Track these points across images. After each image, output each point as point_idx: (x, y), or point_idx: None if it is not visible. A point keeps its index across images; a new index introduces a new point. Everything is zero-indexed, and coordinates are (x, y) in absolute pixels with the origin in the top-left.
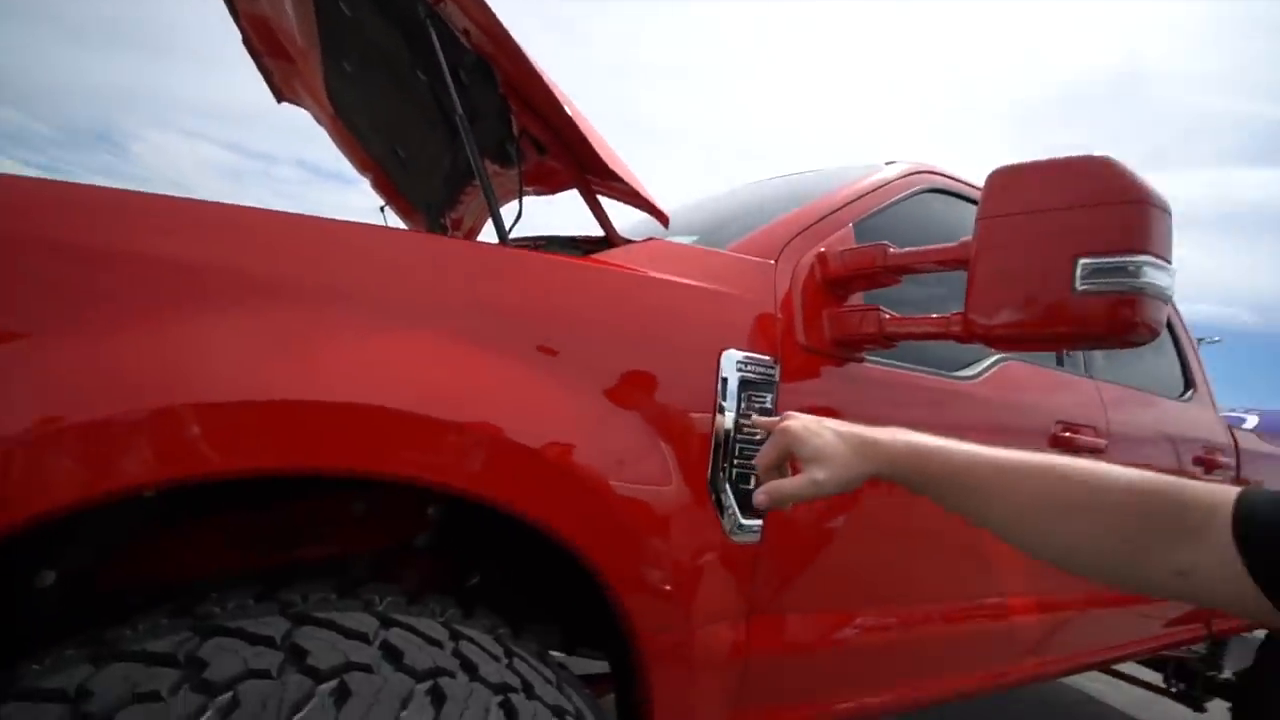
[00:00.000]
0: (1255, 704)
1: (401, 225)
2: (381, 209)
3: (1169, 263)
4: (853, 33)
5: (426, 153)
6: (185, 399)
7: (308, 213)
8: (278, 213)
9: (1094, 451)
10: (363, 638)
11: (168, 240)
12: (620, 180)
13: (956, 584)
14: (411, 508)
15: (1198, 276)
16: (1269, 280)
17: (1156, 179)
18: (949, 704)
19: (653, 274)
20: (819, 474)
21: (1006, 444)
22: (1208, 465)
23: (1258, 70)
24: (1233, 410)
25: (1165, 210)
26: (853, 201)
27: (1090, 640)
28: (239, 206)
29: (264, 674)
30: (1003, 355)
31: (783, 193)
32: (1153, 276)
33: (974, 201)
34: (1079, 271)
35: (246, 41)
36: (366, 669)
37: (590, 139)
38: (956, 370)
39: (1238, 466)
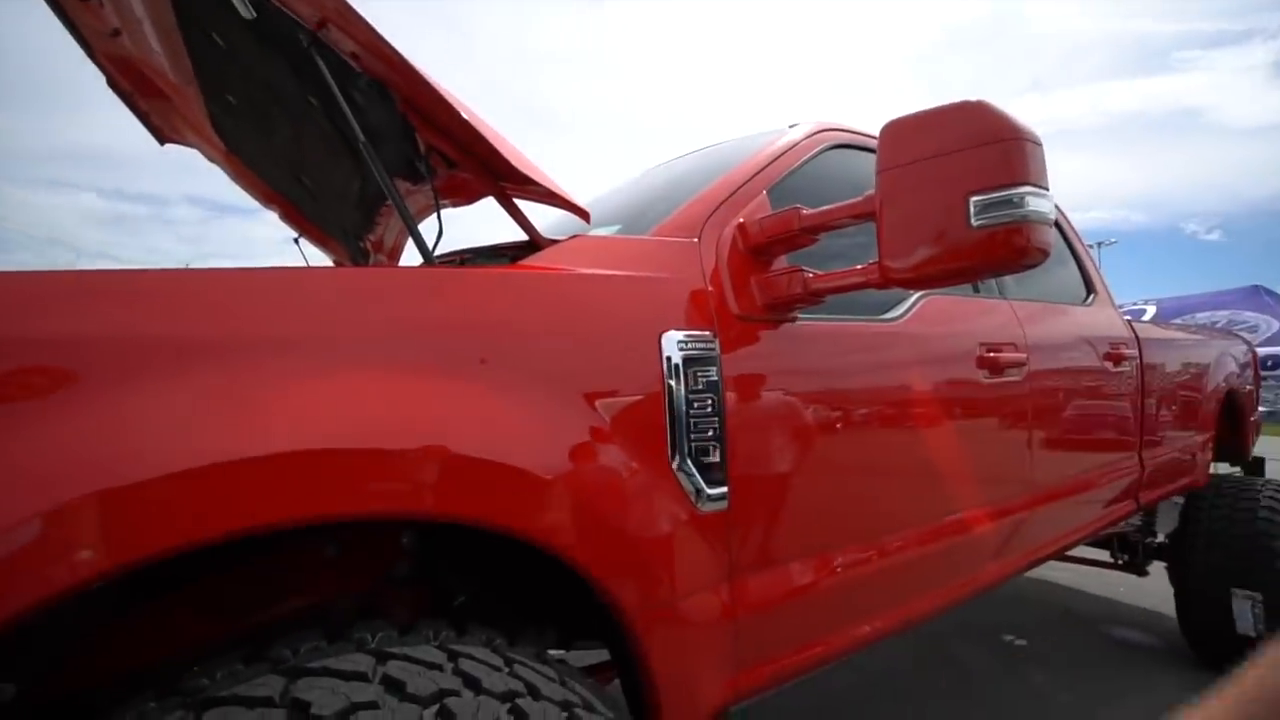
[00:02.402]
0: (1183, 559)
1: (319, 254)
2: (295, 240)
3: (1047, 189)
4: (752, 10)
5: (334, 179)
6: (116, 481)
7: (212, 252)
8: (180, 270)
9: (1017, 365)
10: (362, 677)
11: (67, 319)
12: (535, 183)
13: (918, 509)
14: (383, 541)
15: (1089, 187)
16: (1151, 181)
17: (1040, 103)
18: (935, 617)
19: (582, 271)
20: None
21: (939, 373)
22: (1115, 359)
23: None
24: (1134, 304)
25: (1036, 142)
26: (763, 169)
27: (1043, 534)
28: (137, 271)
29: None
30: (923, 292)
31: (695, 169)
32: (1035, 205)
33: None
34: (972, 209)
35: (112, 83)
36: (372, 706)
37: (498, 147)
38: (884, 313)
39: (1140, 355)
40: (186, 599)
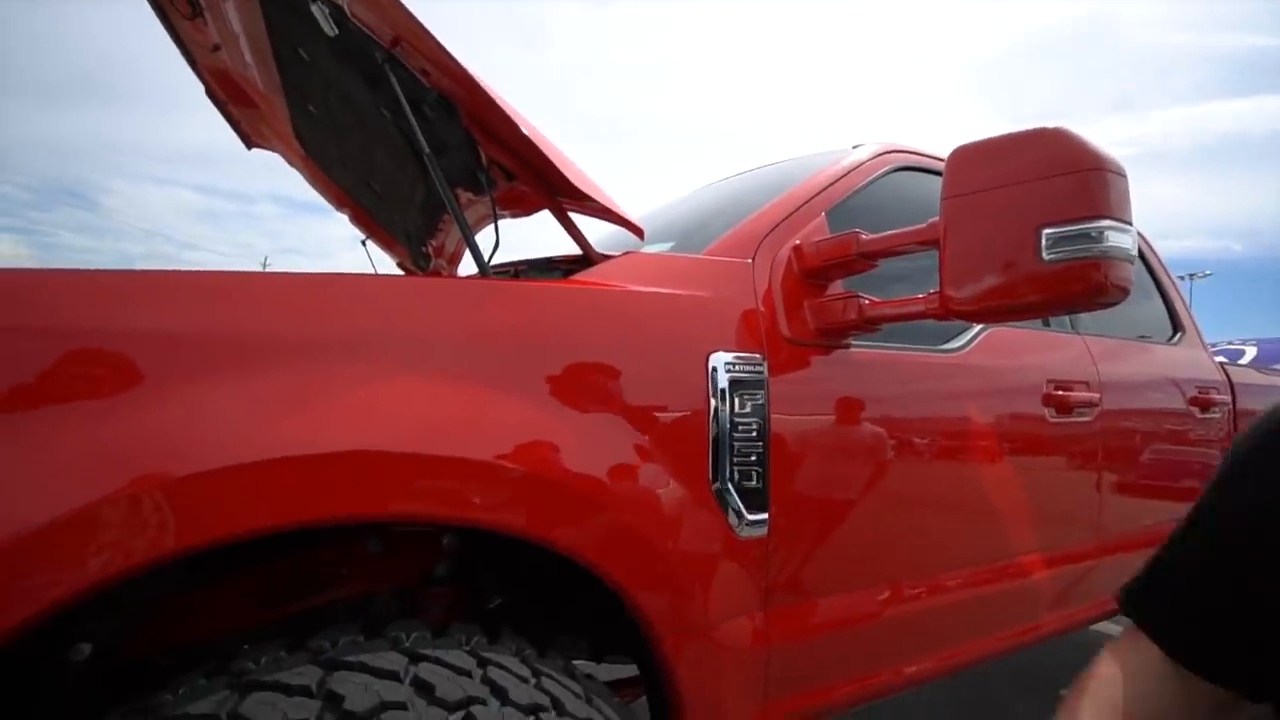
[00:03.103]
0: None
1: (384, 256)
2: (363, 242)
3: (1129, 224)
4: (811, 18)
5: (400, 185)
6: (196, 467)
7: (290, 246)
8: (262, 274)
9: (1088, 405)
10: (394, 676)
11: (160, 314)
12: (590, 199)
13: (971, 548)
14: (425, 540)
15: (1182, 213)
16: (1253, 208)
17: (1129, 122)
18: (984, 663)
19: (633, 288)
20: None
21: (1000, 408)
22: (1203, 405)
23: (1224, 4)
24: (1231, 343)
25: (1120, 174)
26: (823, 190)
27: (1113, 586)
28: (223, 272)
29: None
30: (987, 324)
31: (752, 188)
32: (1115, 240)
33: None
34: (1043, 242)
35: (210, 92)
36: (401, 707)
37: (557, 163)
38: (943, 343)
39: (1233, 401)
40: (240, 583)
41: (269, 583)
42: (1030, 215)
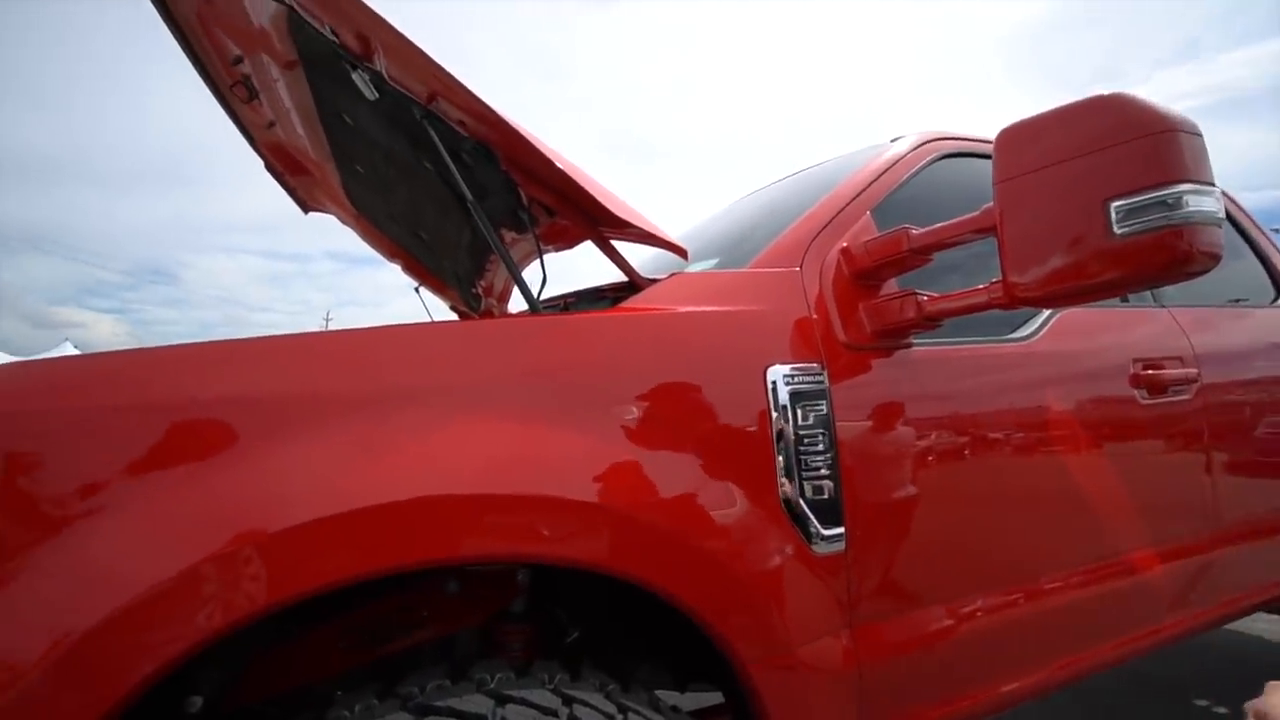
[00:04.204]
0: None
1: (436, 301)
2: (416, 289)
3: (1211, 184)
4: (833, 16)
5: (447, 232)
6: (312, 515)
7: (348, 299)
8: (330, 332)
9: (1185, 382)
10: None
11: (236, 380)
12: (631, 225)
13: (1070, 548)
14: (500, 578)
15: (1261, 160)
16: None
17: (1197, 71)
18: (1099, 672)
19: (683, 309)
20: None
21: (1084, 394)
22: None
23: None
24: None
25: (1193, 132)
26: (866, 188)
27: (1240, 580)
28: (299, 335)
29: None
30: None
31: (791, 195)
32: (1197, 203)
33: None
34: (1113, 215)
35: (268, 166)
36: None
37: (596, 194)
38: (1010, 332)
39: None
40: (325, 630)
41: (354, 628)
42: (1095, 189)
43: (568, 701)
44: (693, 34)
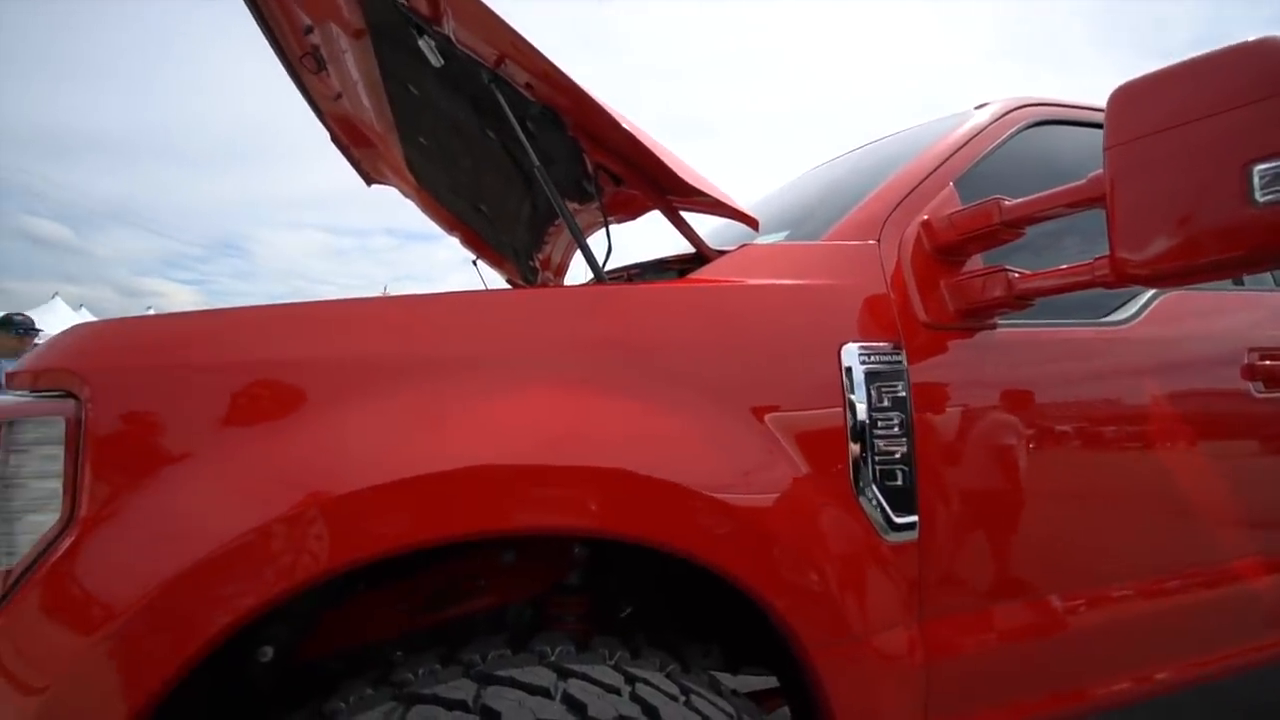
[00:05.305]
0: None
1: (493, 274)
2: (474, 262)
3: None
4: None
5: (507, 204)
6: (391, 477)
7: (404, 274)
8: (392, 298)
9: None
10: (545, 693)
11: (309, 342)
12: (702, 193)
13: (1164, 551)
14: (556, 549)
15: None
16: None
17: None
18: (1196, 686)
19: (753, 282)
20: None
21: (1188, 385)
22: None
23: None
24: None
25: None
26: (948, 158)
27: None
28: (359, 300)
29: None
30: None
31: (867, 166)
32: None
33: (1090, 125)
34: (1256, 180)
35: (334, 138)
36: None
37: (666, 160)
38: (1104, 315)
39: None
40: (389, 593)
41: (415, 592)
42: (1234, 151)
43: (630, 680)
44: (742, 12)
